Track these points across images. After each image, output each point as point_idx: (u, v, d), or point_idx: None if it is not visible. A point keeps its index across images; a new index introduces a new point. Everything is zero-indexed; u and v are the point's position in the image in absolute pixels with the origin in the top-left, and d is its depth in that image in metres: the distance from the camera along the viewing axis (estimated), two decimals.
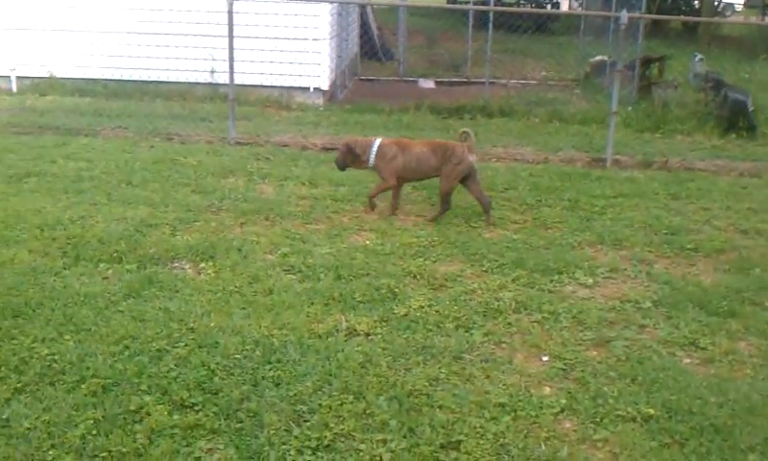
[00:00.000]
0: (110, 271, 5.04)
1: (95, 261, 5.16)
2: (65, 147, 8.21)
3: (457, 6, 26.14)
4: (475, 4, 21.70)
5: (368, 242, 5.86)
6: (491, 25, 12.00)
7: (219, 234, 5.82)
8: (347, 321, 4.49)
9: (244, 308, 4.59)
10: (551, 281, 5.24)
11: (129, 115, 9.89)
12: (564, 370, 4.09)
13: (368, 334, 4.36)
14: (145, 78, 11.20)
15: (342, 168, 6.71)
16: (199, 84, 11.20)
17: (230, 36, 8.52)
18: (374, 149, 6.51)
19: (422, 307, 4.72)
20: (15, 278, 4.79)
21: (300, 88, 11.17)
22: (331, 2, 10.83)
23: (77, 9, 10.92)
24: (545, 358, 4.21)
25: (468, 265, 5.49)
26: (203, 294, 4.76)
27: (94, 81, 11.32)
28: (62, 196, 6.51)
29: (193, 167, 7.67)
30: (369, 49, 15.71)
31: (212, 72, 11.10)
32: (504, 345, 4.33)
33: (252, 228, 6.03)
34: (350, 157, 6.60)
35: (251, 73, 10.46)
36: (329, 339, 4.26)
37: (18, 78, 11.45)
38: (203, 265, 5.22)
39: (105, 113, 9.95)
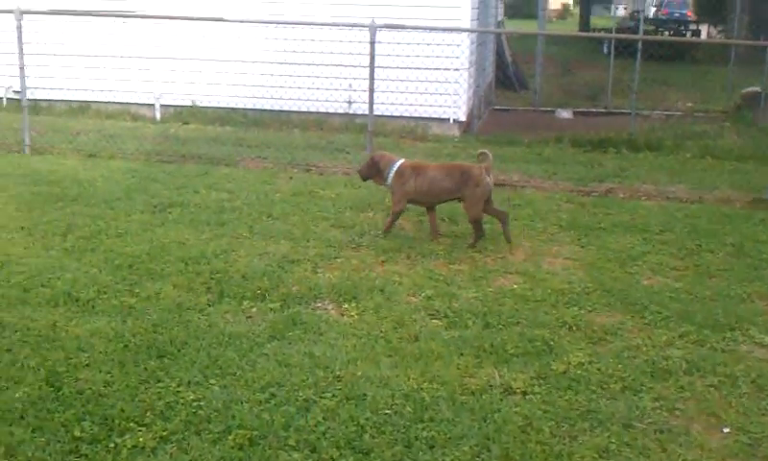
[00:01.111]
0: (254, 309, 4.92)
1: (239, 298, 5.06)
2: (207, 177, 8.29)
3: (595, 34, 25.34)
4: (614, 31, 21.10)
5: (515, 286, 5.53)
6: (639, 54, 11.40)
7: (361, 273, 5.63)
8: (500, 376, 4.18)
9: (390, 356, 4.35)
10: (723, 339, 4.75)
11: (268, 145, 9.95)
12: (749, 445, 3.63)
13: (525, 393, 4.03)
14: (283, 108, 11.29)
15: (364, 179, 6.78)
16: (335, 114, 11.20)
17: (372, 67, 8.42)
18: (394, 169, 6.49)
19: (582, 364, 4.35)
20: (161, 314, 4.74)
21: (436, 119, 10.97)
22: (471, 31, 10.61)
23: (219, 40, 11.13)
24: (726, 430, 3.76)
25: (629, 316, 5.07)
26: (347, 338, 4.56)
27: (234, 110, 11.53)
28: (205, 228, 6.51)
29: (332, 200, 7.56)
30: (503, 78, 15.39)
31: (349, 102, 11.08)
32: (678, 412, 3.90)
33: (394, 267, 5.82)
34: (374, 171, 6.63)
35: (388, 103, 10.34)
36: (484, 396, 3.96)
37: (162, 106, 11.79)
38: (346, 306, 5.04)
39: (244, 143, 10.05)
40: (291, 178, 8.43)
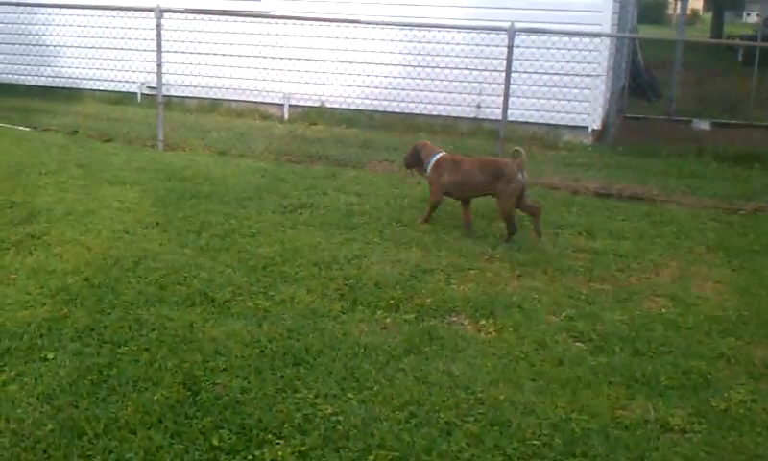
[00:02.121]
0: (388, 320, 4.76)
1: (372, 307, 4.91)
2: (335, 179, 8.23)
3: (737, 42, 24.07)
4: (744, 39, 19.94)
5: (664, 310, 5.15)
6: None
7: (496, 287, 5.38)
8: (655, 410, 3.85)
9: (534, 380, 4.09)
10: None
11: (394, 148, 9.82)
12: None
13: (684, 431, 3.69)
14: (410, 111, 11.14)
15: (408, 167, 6.99)
16: (463, 118, 10.97)
17: (508, 71, 8.15)
18: (433, 160, 6.63)
19: (744, 402, 3.97)
20: (295, 320, 4.64)
21: (568, 126, 10.56)
22: (615, 37, 10.17)
23: (348, 42, 11.09)
24: None
25: None
26: (486, 357, 4.33)
27: (361, 112, 11.47)
28: (335, 232, 6.41)
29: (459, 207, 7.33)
30: (635, 86, 14.76)
31: (478, 107, 10.83)
32: None
33: (531, 282, 5.54)
34: (416, 160, 6.80)
35: (518, 109, 10.02)
36: (638, 432, 3.65)
37: (291, 106, 11.87)
38: (483, 322, 4.80)
39: (371, 145, 9.96)
40: (419, 183, 8.23)
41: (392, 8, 10.91)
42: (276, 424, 3.55)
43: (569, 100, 10.38)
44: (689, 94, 16.64)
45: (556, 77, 10.30)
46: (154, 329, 4.42)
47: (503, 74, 10.01)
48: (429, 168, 6.66)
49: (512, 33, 8.13)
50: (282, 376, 3.97)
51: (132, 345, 4.23)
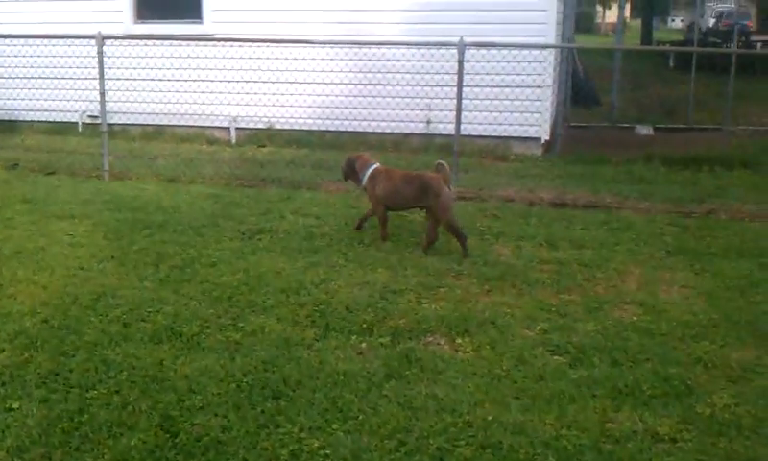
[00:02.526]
0: (364, 344, 4.66)
1: (346, 332, 4.81)
2: (291, 201, 8.10)
3: (683, 48, 24.72)
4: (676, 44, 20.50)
5: (635, 318, 5.17)
6: (733, 68, 10.92)
7: (467, 304, 5.33)
8: (642, 421, 3.83)
9: (518, 398, 4.04)
10: None
11: None
12: None
13: (674, 440, 3.68)
14: (362, 129, 11.07)
15: (345, 178, 7.06)
16: (414, 134, 10.95)
17: (459, 86, 8.14)
18: (368, 172, 6.68)
19: (728, 407, 3.98)
20: (269, 351, 4.50)
21: (518, 138, 10.62)
22: (562, 47, 10.28)
23: (295, 62, 10.98)
24: None
25: (763, 351, 4.68)
26: (468, 377, 4.26)
27: (311, 132, 11.35)
28: (298, 256, 6.29)
29: (421, 224, 7.26)
30: (576, 95, 14.96)
31: (428, 122, 10.82)
32: None
33: (501, 297, 5.50)
34: (350, 171, 6.89)
35: (470, 123, 10.03)
36: (630, 444, 3.62)
37: (237, 129, 11.69)
38: (459, 341, 4.74)
39: (324, 165, 9.84)
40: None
41: (338, 26, 10.85)
42: None
43: (519, 112, 10.45)
44: (628, 100, 16.98)
45: (507, 89, 10.35)
46: (122, 370, 4.24)
47: (452, 89, 10.07)
48: (365, 180, 6.70)
49: (461, 47, 8.13)
50: (263, 411, 3.83)
51: (100, 388, 4.05)
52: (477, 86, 10.04)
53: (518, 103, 10.40)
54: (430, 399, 3.99)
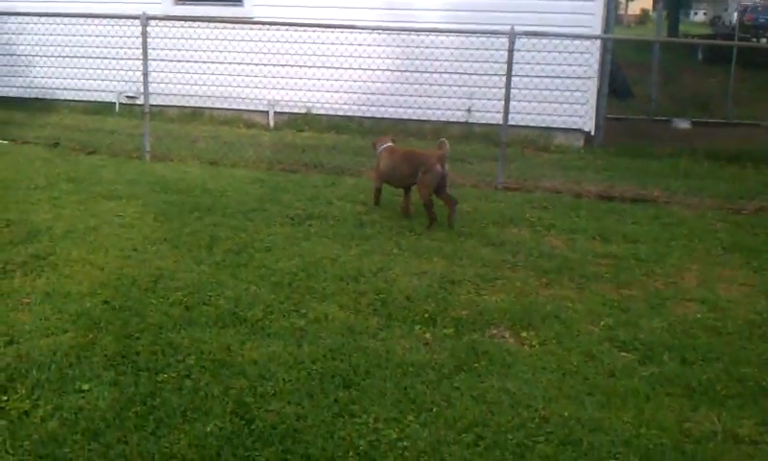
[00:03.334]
0: (428, 335, 4.61)
1: (409, 322, 4.76)
2: (336, 187, 8.05)
3: (722, 42, 24.39)
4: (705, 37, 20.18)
5: (699, 315, 5.09)
6: None
7: (528, 297, 5.26)
8: (720, 421, 3.76)
9: (591, 394, 3.98)
10: None
11: None
12: None
13: (755, 442, 3.62)
14: (399, 116, 10.99)
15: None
16: (453, 123, 10.86)
17: (509, 75, 8.04)
18: (379, 150, 7.14)
19: None
20: (334, 338, 4.46)
21: (559, 129, 10.52)
22: (609, 38, 10.15)
23: (334, 47, 10.91)
24: None
25: None
26: (538, 372, 4.20)
27: (349, 118, 11.28)
28: (351, 243, 6.24)
29: (470, 214, 7.22)
30: (611, 86, 14.80)
31: (469, 111, 10.73)
32: None
33: (560, 290, 5.43)
34: (374, 150, 7.31)
35: (511, 112, 9.93)
36: (711, 444, 3.56)
37: (276, 113, 11.64)
38: (524, 334, 4.68)
39: (364, 152, 9.77)
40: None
41: (379, 12, 10.76)
42: (341, 452, 3.38)
43: (564, 103, 10.33)
44: (662, 93, 16.81)
45: (551, 79, 10.24)
46: (190, 354, 4.21)
47: (494, 77, 10.01)
48: (377, 157, 7.17)
49: (512, 36, 8.02)
50: (336, 400, 3.79)
51: (170, 372, 4.02)
52: (525, 76, 9.92)
53: (563, 93, 10.29)
54: (503, 393, 3.93)
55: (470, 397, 3.88)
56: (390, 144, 7.15)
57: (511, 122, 8.73)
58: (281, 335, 4.47)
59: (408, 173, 6.77)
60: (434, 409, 3.75)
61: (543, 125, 10.50)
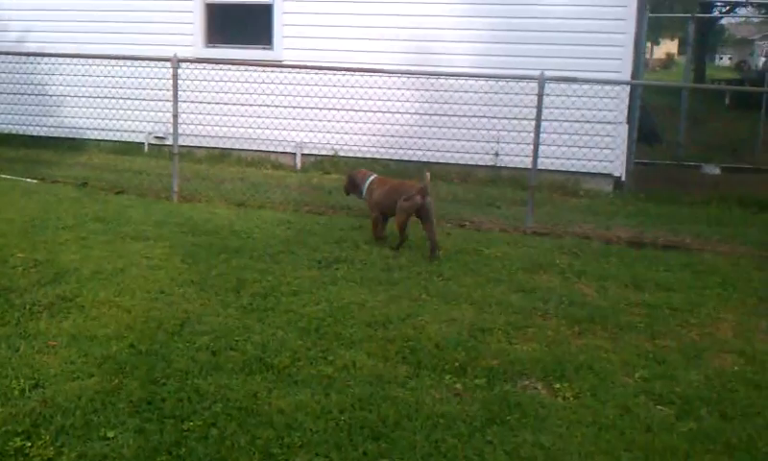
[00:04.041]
0: (458, 385, 4.50)
1: (438, 371, 4.66)
2: (362, 231, 7.97)
3: (735, 88, 24.32)
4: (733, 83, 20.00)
5: (736, 368, 4.94)
6: None
7: (560, 346, 5.15)
8: None
9: (629, 451, 3.85)
10: None
11: None
12: None
13: None
14: (426, 159, 10.96)
15: (347, 194, 7.96)
16: (480, 166, 10.82)
17: (538, 120, 8.01)
18: (366, 184, 7.55)
19: None
20: (362, 387, 4.37)
21: (588, 173, 10.44)
22: (642, 84, 10.11)
23: (362, 90, 10.94)
24: None
25: None
26: (572, 426, 4.08)
27: (375, 160, 11.28)
28: (378, 288, 6.16)
29: (499, 260, 7.13)
30: (642, 131, 14.73)
31: (496, 155, 10.69)
32: None
33: (593, 340, 5.31)
34: (353, 186, 7.75)
35: (540, 156, 9.89)
36: None
37: (303, 155, 11.67)
38: (557, 386, 4.56)
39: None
40: (448, 233, 8.05)
41: (407, 56, 10.80)
42: None
43: (593, 147, 10.26)
44: (690, 138, 16.69)
45: (577, 124, 10.19)
46: (216, 401, 4.13)
47: (522, 121, 9.98)
48: (365, 190, 7.52)
49: (542, 81, 7.99)
50: (365, 453, 3.69)
51: (196, 419, 3.94)
52: (555, 120, 9.88)
53: (593, 138, 10.22)
54: (537, 448, 3.81)
55: (503, 452, 3.77)
56: (374, 176, 7.61)
57: (539, 166, 8.67)
58: (309, 383, 4.39)
59: (394, 202, 7.18)
60: None
61: (573, 169, 10.42)
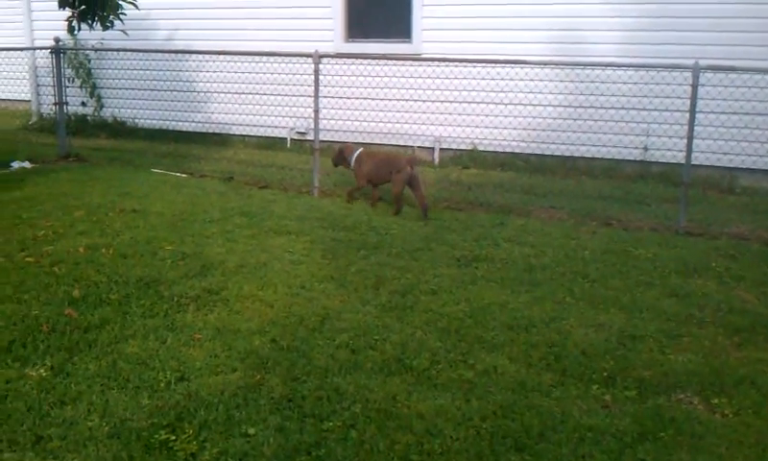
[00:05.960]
0: (607, 396, 4.26)
1: (585, 380, 4.43)
2: (503, 228, 7.79)
3: None
4: None
5: None
6: None
7: (718, 358, 4.79)
8: None
9: None
10: None
11: (556, 194, 9.33)
12: None
13: None
14: (569, 153, 10.59)
15: (335, 165, 9.05)
16: (627, 161, 10.34)
17: (692, 112, 7.52)
18: (355, 155, 8.60)
19: None
20: (504, 394, 4.21)
21: (745, 169, 9.73)
22: None
23: (503, 82, 10.68)
24: None
25: None
26: (733, 446, 3.76)
27: (515, 155, 11.02)
28: (520, 288, 5.96)
29: (649, 261, 6.75)
30: None
31: (645, 149, 10.18)
32: None
33: (755, 352, 4.91)
34: (341, 159, 8.83)
35: (694, 152, 9.33)
36: None
37: (441, 149, 11.56)
38: (715, 401, 4.23)
39: (532, 191, 9.49)
40: (594, 232, 7.72)
41: (549, 46, 10.46)
42: None
43: (750, 141, 9.58)
44: None
45: (735, 117, 9.54)
46: (355, 401, 4.09)
47: (675, 114, 9.45)
48: (353, 162, 8.57)
49: (696, 71, 7.50)
50: None
51: (335, 420, 3.91)
52: (711, 112, 9.30)
53: (753, 131, 9.54)
54: None
55: None
56: (362, 149, 8.66)
57: (693, 161, 8.15)
58: (449, 387, 4.28)
59: (385, 173, 8.23)
60: None
61: (726, 165, 9.77)
